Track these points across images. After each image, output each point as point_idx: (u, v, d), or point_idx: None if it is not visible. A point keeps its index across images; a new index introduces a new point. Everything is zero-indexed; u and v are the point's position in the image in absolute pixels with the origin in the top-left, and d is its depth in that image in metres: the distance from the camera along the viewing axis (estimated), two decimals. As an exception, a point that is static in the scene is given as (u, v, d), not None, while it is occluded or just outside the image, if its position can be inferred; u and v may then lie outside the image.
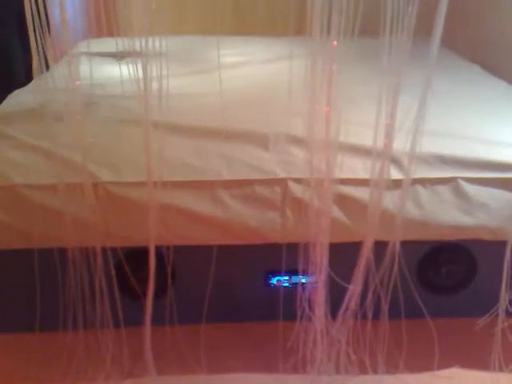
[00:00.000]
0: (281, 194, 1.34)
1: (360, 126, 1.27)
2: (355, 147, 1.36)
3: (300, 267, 1.27)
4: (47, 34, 1.16)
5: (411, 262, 1.42)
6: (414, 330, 1.36)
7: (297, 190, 1.33)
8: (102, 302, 1.32)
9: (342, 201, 1.33)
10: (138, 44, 1.13)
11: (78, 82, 1.23)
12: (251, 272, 1.48)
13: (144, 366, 1.31)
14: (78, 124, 1.22)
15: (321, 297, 1.26)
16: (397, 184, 1.29)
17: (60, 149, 1.29)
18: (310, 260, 1.25)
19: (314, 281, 1.26)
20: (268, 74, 2.03)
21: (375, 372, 1.34)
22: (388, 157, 1.18)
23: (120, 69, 1.51)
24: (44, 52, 1.17)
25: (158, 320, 1.31)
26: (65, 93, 1.20)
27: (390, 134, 1.14)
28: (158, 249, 1.28)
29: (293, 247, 1.28)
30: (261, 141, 1.43)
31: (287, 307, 1.35)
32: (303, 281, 1.33)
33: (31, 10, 1.11)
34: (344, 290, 1.26)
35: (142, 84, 1.13)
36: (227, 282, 1.45)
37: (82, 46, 1.27)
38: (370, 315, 1.29)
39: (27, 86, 1.81)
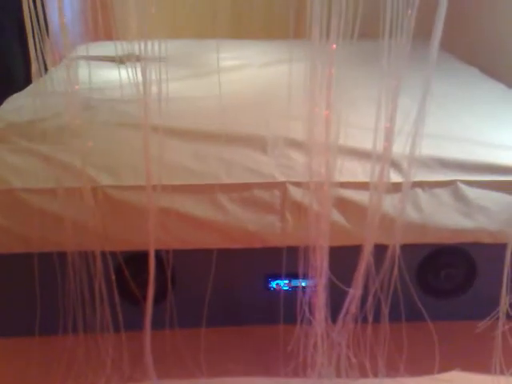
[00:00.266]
0: (280, 197, 1.32)
1: (359, 129, 1.26)
2: (355, 150, 1.34)
3: (300, 271, 1.25)
4: (46, 37, 1.15)
5: (411, 265, 1.40)
6: (415, 333, 1.34)
7: (296, 193, 1.31)
8: (101, 305, 1.30)
9: (342, 204, 1.31)
10: (136, 47, 1.11)
11: (76, 86, 1.21)
12: (251, 276, 1.46)
13: (144, 370, 1.29)
14: (77, 128, 1.20)
15: (321, 300, 1.24)
16: (396, 187, 1.27)
17: (59, 153, 1.27)
18: (309, 264, 1.23)
19: (314, 284, 1.24)
20: (266, 78, 2.02)
21: (376, 375, 1.32)
22: (388, 160, 1.16)
23: (119, 73, 1.49)
24: (43, 56, 1.15)
25: (158, 324, 1.28)
26: (63, 97, 1.18)
27: (389, 137, 1.12)
28: (158, 252, 1.26)
29: (292, 251, 1.26)
30: (260, 144, 1.41)
31: (287, 311, 1.33)
32: (303, 284, 1.31)
33: (30, 13, 1.09)
34: (344, 294, 1.24)
35: (141, 88, 1.11)
36: (227, 286, 1.43)
37: (81, 50, 1.25)
38: (370, 319, 1.27)
39: (25, 90, 1.79)
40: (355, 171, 1.33)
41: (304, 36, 1.07)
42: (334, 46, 1.04)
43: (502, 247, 1.26)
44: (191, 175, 1.33)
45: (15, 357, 1.40)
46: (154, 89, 1.13)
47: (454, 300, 1.50)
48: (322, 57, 1.08)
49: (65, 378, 1.31)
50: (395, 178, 1.30)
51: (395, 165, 1.31)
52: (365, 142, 1.27)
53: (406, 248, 1.24)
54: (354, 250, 1.22)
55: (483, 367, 1.33)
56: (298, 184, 1.31)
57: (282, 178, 1.32)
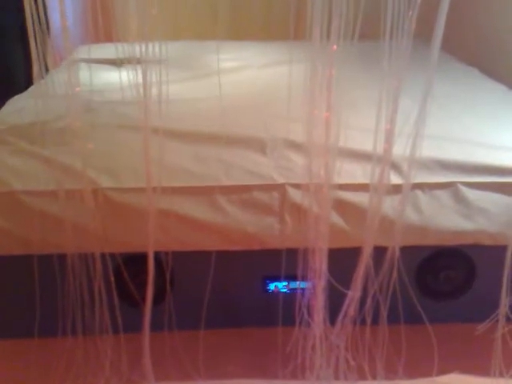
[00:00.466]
0: (279, 199, 1.30)
1: (359, 130, 1.23)
2: (354, 152, 1.32)
3: (299, 273, 1.23)
4: (47, 39, 1.13)
5: (410, 267, 1.38)
6: (414, 335, 1.32)
7: (295, 195, 1.29)
8: (100, 307, 1.28)
9: (341, 206, 1.29)
10: (137, 49, 1.09)
11: (77, 88, 1.19)
12: (250, 278, 1.44)
13: (143, 372, 1.26)
14: (78, 130, 1.18)
15: (320, 302, 1.22)
16: (396, 189, 1.25)
17: (59, 155, 1.25)
18: (308, 266, 1.21)
19: (313, 286, 1.22)
20: (266, 79, 1.99)
21: (374, 378, 1.30)
22: (388, 162, 1.14)
23: (119, 75, 1.47)
24: (44, 57, 1.13)
25: (156, 326, 1.26)
26: (64, 99, 1.16)
27: (389, 139, 1.10)
28: (157, 254, 1.24)
29: (291, 253, 1.24)
30: (259, 146, 1.39)
31: (286, 313, 1.31)
32: (302, 286, 1.29)
33: (31, 15, 1.07)
34: (343, 296, 1.22)
35: (141, 90, 1.09)
36: (226, 288, 1.41)
37: (82, 52, 1.23)
38: (369, 321, 1.24)
39: (26, 92, 1.77)
40: (355, 173, 1.31)
41: (304, 37, 1.05)
42: (335, 47, 1.02)
43: (502, 249, 1.23)
44: (191, 177, 1.31)
45: (14, 358, 1.37)
46: (154, 91, 1.11)
47: (453, 302, 1.47)
48: (322, 58, 1.06)
49: (64, 380, 1.29)
50: (395, 179, 1.28)
51: (395, 166, 1.28)
52: (365, 144, 1.25)
53: (405, 250, 1.22)
54: (353, 252, 1.19)
55: (482, 370, 1.30)
56: (297, 186, 1.29)
57: (281, 180, 1.30)
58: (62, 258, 1.26)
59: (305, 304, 1.26)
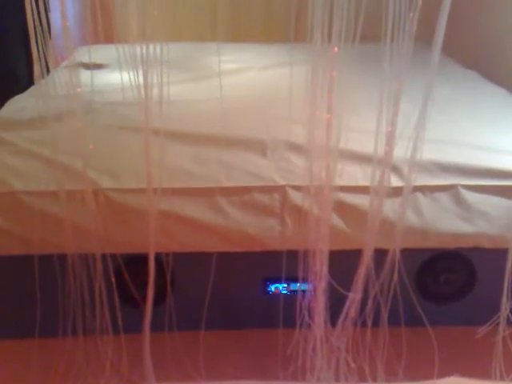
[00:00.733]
0: (280, 201, 1.28)
1: (360, 132, 1.22)
2: (355, 154, 1.31)
3: (299, 275, 1.22)
4: (48, 39, 1.12)
5: (411, 269, 1.36)
6: (414, 338, 1.30)
7: (296, 197, 1.28)
8: (101, 308, 1.26)
9: (342, 208, 1.28)
10: (137, 50, 1.08)
11: (78, 89, 1.18)
12: (250, 279, 1.42)
13: (143, 373, 1.25)
14: (79, 131, 1.17)
15: (320, 304, 1.21)
16: (397, 191, 1.23)
17: (60, 155, 1.24)
18: (309, 267, 1.20)
19: (314, 288, 1.20)
20: (266, 81, 1.98)
21: (374, 380, 1.28)
22: (389, 164, 1.12)
23: (121, 76, 1.46)
24: (45, 58, 1.12)
25: (157, 326, 1.25)
26: (65, 99, 1.15)
27: (390, 142, 1.09)
28: (158, 255, 1.22)
29: (292, 254, 1.23)
30: (260, 148, 1.38)
31: (286, 315, 1.30)
32: (302, 288, 1.27)
33: (32, 15, 1.07)
34: (344, 298, 1.21)
35: (142, 91, 1.08)
36: (226, 289, 1.40)
37: (82, 52, 1.22)
38: (369, 323, 1.23)
39: (27, 92, 1.76)
40: (355, 175, 1.30)
41: (304, 39, 1.04)
42: (336, 49, 1.01)
43: (502, 252, 1.23)
44: (191, 178, 1.30)
45: (15, 359, 1.36)
46: (155, 92, 1.10)
47: (453, 305, 1.46)
48: (323, 60, 1.05)
49: (64, 380, 1.27)
50: (396, 182, 1.26)
51: (396, 169, 1.27)
52: (365, 146, 1.24)
53: (405, 252, 1.21)
54: (354, 254, 1.18)
55: (483, 373, 1.29)
56: (297, 188, 1.27)
57: (281, 182, 1.29)
58: (63, 258, 1.25)
59: (305, 306, 1.24)
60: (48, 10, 1.10)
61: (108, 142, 1.41)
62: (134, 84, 1.09)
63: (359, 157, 1.31)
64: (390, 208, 1.24)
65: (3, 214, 1.27)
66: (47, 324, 1.30)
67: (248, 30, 2.68)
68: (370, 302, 1.21)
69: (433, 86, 1.03)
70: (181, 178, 1.30)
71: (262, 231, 1.28)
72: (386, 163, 1.12)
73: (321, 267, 1.18)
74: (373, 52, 1.03)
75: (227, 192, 1.28)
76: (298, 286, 1.31)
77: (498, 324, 1.25)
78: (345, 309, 1.21)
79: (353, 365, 1.27)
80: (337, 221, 1.28)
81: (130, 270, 1.31)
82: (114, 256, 1.27)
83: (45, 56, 1.12)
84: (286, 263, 1.24)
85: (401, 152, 1.10)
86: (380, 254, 1.18)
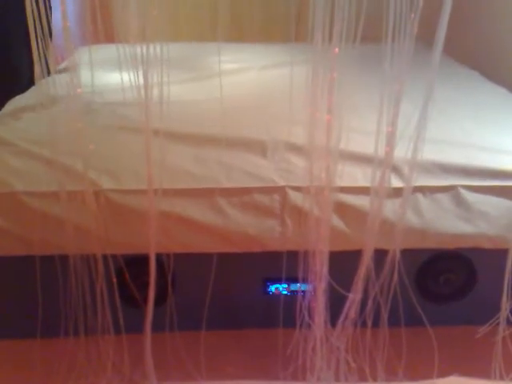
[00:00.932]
0: (280, 201, 1.27)
1: (360, 133, 1.21)
2: (355, 155, 1.30)
3: (299, 275, 1.21)
4: (49, 40, 1.10)
5: (411, 270, 1.36)
6: (414, 338, 1.29)
7: (296, 197, 1.27)
8: (102, 308, 1.26)
9: (342, 209, 1.27)
10: (138, 50, 1.07)
11: (79, 90, 1.17)
12: (250, 280, 1.42)
13: (144, 373, 1.25)
14: (79, 131, 1.16)
15: (320, 304, 1.20)
16: (397, 192, 1.22)
17: (61, 156, 1.23)
18: (309, 268, 1.19)
19: (314, 289, 1.19)
20: (266, 81, 1.97)
21: (375, 380, 1.28)
22: (389, 165, 1.11)
23: (121, 76, 1.45)
24: (46, 58, 1.11)
25: (158, 327, 1.25)
26: (65, 100, 1.14)
27: (391, 142, 1.08)
28: (158, 256, 1.22)
29: (292, 255, 1.22)
30: (260, 148, 1.37)
31: (287, 315, 1.29)
32: (303, 289, 1.27)
33: (33, 15, 1.05)
34: (344, 298, 1.20)
35: (142, 91, 1.07)
36: (227, 290, 1.39)
37: (83, 52, 1.21)
38: (369, 323, 1.22)
39: (28, 92, 1.75)
40: (356, 176, 1.29)
41: (304, 39, 1.03)
42: (337, 49, 1.00)
43: (502, 252, 1.22)
44: (191, 179, 1.29)
45: (17, 359, 1.36)
46: (155, 92, 1.08)
47: (453, 305, 1.45)
48: (323, 60, 1.03)
49: (66, 380, 1.27)
50: (396, 182, 1.25)
51: (396, 169, 1.26)
52: (366, 147, 1.23)
53: (405, 253, 1.20)
54: (354, 255, 1.17)
55: (483, 373, 1.28)
56: (297, 188, 1.26)
57: (281, 183, 1.28)
58: (64, 259, 1.24)
59: (305, 306, 1.24)
60: (49, 10, 1.09)
61: (108, 142, 1.40)
62: (134, 84, 1.08)
63: (359, 157, 1.30)
64: (391, 209, 1.23)
65: (4, 214, 1.26)
66: (49, 324, 1.29)
67: (248, 30, 2.65)
68: (369, 302, 1.20)
69: (434, 87, 1.02)
70: (181, 179, 1.29)
71: (262, 232, 1.28)
72: (387, 164, 1.11)
73: (321, 268, 1.18)
74: (373, 52, 1.02)
75: (227, 193, 1.27)
76: (298, 286, 1.30)
77: (497, 324, 1.24)
78: (345, 309, 1.20)
79: (353, 365, 1.26)
80: (337, 221, 1.27)
81: (131, 270, 1.30)
82: (115, 257, 1.26)
83: (45, 56, 1.11)
84: (286, 264, 1.24)
85: (401, 152, 1.09)
86: (380, 255, 1.17)
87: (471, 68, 2.16)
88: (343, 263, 1.18)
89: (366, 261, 1.17)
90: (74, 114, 1.16)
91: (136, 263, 1.29)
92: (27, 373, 1.30)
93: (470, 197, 1.28)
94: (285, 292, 1.39)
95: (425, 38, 1.13)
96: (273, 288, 1.41)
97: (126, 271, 1.28)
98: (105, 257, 1.24)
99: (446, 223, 1.28)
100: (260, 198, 1.27)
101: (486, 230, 1.29)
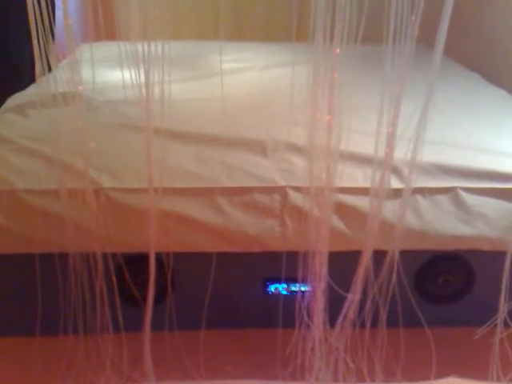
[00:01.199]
0: (280, 201, 1.27)
1: (361, 134, 1.21)
2: (356, 156, 1.29)
3: (299, 275, 1.20)
4: (50, 37, 1.10)
5: (410, 271, 1.35)
6: (412, 339, 1.29)
7: (296, 198, 1.26)
8: (102, 306, 1.25)
9: (342, 209, 1.26)
10: (139, 49, 1.06)
11: (80, 87, 1.16)
12: (250, 279, 1.41)
13: (143, 371, 1.24)
14: (79, 129, 1.15)
15: (320, 305, 1.20)
16: (397, 193, 1.22)
17: (61, 154, 1.22)
18: (309, 268, 1.19)
19: (313, 289, 1.19)
20: (267, 81, 1.96)
21: (373, 380, 1.27)
22: (389, 166, 1.11)
23: (122, 74, 1.44)
24: (46, 55, 1.10)
25: (157, 325, 1.24)
26: (66, 97, 1.14)
27: (391, 143, 1.07)
28: (158, 255, 1.21)
29: (292, 255, 1.22)
30: (260, 148, 1.37)
31: (286, 315, 1.28)
32: (302, 289, 1.26)
33: (34, 12, 1.05)
34: (343, 299, 1.20)
35: (143, 89, 1.06)
36: (226, 289, 1.38)
37: (84, 50, 1.20)
38: (368, 324, 1.22)
39: (28, 89, 1.74)
40: (356, 177, 1.28)
41: (306, 39, 1.02)
42: (338, 50, 0.99)
43: (501, 254, 1.21)
44: (192, 178, 1.28)
45: (16, 356, 1.35)
46: (156, 90, 1.08)
47: (451, 306, 1.45)
48: (325, 61, 1.03)
49: (65, 378, 1.27)
50: (396, 183, 1.25)
51: (396, 171, 1.26)
52: (366, 148, 1.22)
53: (404, 254, 1.19)
54: (353, 256, 1.17)
55: (480, 374, 1.28)
56: (298, 189, 1.26)
57: (282, 183, 1.28)
58: (64, 257, 1.24)
59: (305, 306, 1.23)
60: (50, 7, 1.08)
61: (109, 140, 1.39)
62: (135, 82, 1.08)
63: (359, 158, 1.29)
64: (390, 210, 1.22)
65: (4, 212, 1.25)
66: (48, 322, 1.29)
67: (250, 29, 2.65)
68: (368, 302, 1.20)
69: (434, 88, 1.01)
70: (181, 178, 1.28)
71: (262, 232, 1.27)
72: (387, 165, 1.10)
73: (320, 268, 1.17)
74: (374, 54, 1.01)
75: (228, 192, 1.27)
76: (297, 286, 1.29)
77: (495, 326, 1.24)
78: (344, 309, 1.20)
79: (351, 365, 1.26)
80: (337, 222, 1.27)
81: (130, 269, 1.29)
82: (114, 255, 1.26)
83: (46, 53, 1.10)
84: (285, 264, 1.23)
85: (401, 154, 1.09)
86: (379, 256, 1.17)
87: (472, 70, 2.16)
88: (342, 264, 1.18)
89: (366, 261, 1.16)
90: (75, 111, 1.15)
91: (136, 262, 1.28)
92: (26, 370, 1.30)
93: (470, 199, 1.28)
94: (284, 292, 1.39)
95: (426, 40, 1.13)
96: (272, 288, 1.40)
97: (125, 270, 1.28)
98: (104, 255, 1.23)
99: (445, 225, 1.28)
100: (260, 198, 1.27)
101: (486, 232, 1.29)
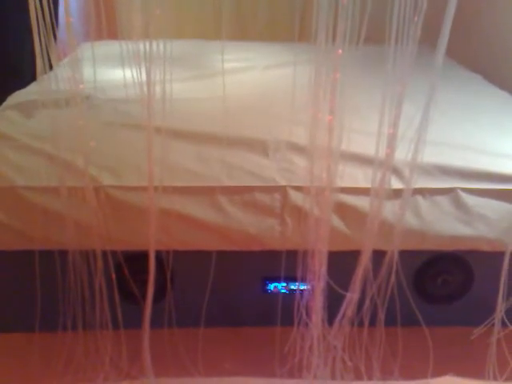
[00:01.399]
0: (280, 201, 1.26)
1: (362, 134, 1.20)
2: (356, 156, 1.29)
3: (298, 274, 1.20)
4: (51, 35, 1.08)
5: (409, 271, 1.35)
6: (410, 338, 1.29)
7: (296, 197, 1.25)
8: (101, 303, 1.25)
9: (342, 209, 1.26)
10: (141, 47, 1.05)
11: (81, 85, 1.15)
12: (249, 278, 1.41)
13: (142, 368, 1.24)
14: (80, 127, 1.14)
15: (318, 304, 1.19)
16: (397, 194, 1.22)
17: (62, 152, 1.21)
18: (308, 267, 1.18)
19: (312, 288, 1.18)
20: (269, 81, 1.95)
21: (370, 378, 1.28)
22: (389, 166, 1.10)
23: (123, 72, 1.43)
24: (48, 53, 1.09)
25: (156, 323, 1.24)
26: (67, 95, 1.12)
27: (391, 144, 1.06)
28: (158, 253, 1.21)
29: (291, 254, 1.21)
30: (261, 148, 1.36)
31: (285, 313, 1.28)
32: (301, 288, 1.25)
33: (36, 10, 1.03)
34: (341, 298, 1.20)
35: (144, 88, 1.05)
36: (226, 288, 1.38)
37: (85, 48, 1.19)
38: (366, 323, 1.22)
39: (29, 87, 1.72)
40: (356, 177, 1.28)
41: (308, 39, 1.02)
42: (340, 51, 0.98)
43: (499, 255, 1.21)
44: (193, 177, 1.28)
45: (15, 352, 1.35)
46: (158, 89, 1.07)
47: (449, 306, 1.45)
48: (326, 61, 1.02)
49: (64, 374, 1.26)
50: (396, 184, 1.25)
51: (396, 171, 1.25)
52: (367, 148, 1.22)
53: (404, 254, 1.19)
54: (353, 255, 1.17)
55: (477, 373, 1.28)
56: (298, 188, 1.25)
57: (282, 182, 1.27)
58: (64, 254, 1.23)
59: (303, 305, 1.23)
60: (52, 5, 1.07)
61: (109, 139, 1.38)
62: (136, 81, 1.07)
63: (360, 158, 1.29)
64: (390, 210, 1.22)
65: (4, 209, 1.25)
66: (47, 318, 1.28)
67: (252, 29, 2.63)
68: (367, 302, 1.20)
69: (436, 89, 1.01)
70: (182, 177, 1.27)
71: (262, 231, 1.26)
72: (387, 165, 1.10)
73: (319, 267, 1.17)
74: (376, 54, 1.01)
75: (228, 191, 1.26)
76: (296, 285, 1.28)
77: (492, 325, 1.24)
78: (342, 308, 1.20)
79: (349, 363, 1.26)
80: (336, 222, 1.26)
81: (130, 266, 1.29)
82: (114, 253, 1.25)
83: (47, 51, 1.09)
84: (285, 263, 1.23)
85: (402, 154, 1.08)
86: (379, 255, 1.16)
87: (474, 71, 2.15)
88: (342, 263, 1.18)
89: (365, 261, 1.16)
90: (76, 110, 1.14)
91: (135, 260, 1.28)
92: (26, 366, 1.29)
93: (470, 199, 1.28)
94: (283, 291, 1.39)
95: (428, 41, 1.12)
96: (271, 286, 1.40)
97: (125, 267, 1.27)
98: (104, 253, 1.23)
99: (445, 225, 1.27)
100: (261, 197, 1.26)
101: (486, 233, 1.28)
